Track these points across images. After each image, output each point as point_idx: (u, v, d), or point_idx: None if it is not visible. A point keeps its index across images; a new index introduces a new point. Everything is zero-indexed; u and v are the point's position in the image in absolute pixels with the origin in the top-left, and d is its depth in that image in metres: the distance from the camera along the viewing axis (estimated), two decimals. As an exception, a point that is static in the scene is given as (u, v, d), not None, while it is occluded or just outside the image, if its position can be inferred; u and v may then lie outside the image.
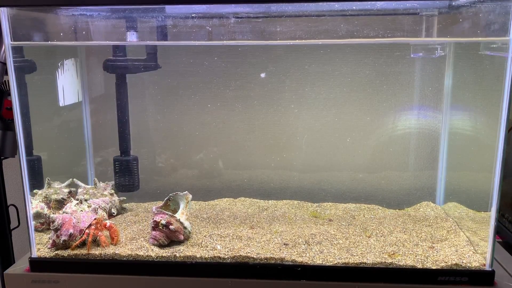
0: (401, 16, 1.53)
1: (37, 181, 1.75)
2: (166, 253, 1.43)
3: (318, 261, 1.38)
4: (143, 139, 1.95)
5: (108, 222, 1.50)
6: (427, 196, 1.85)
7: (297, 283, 1.37)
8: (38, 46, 1.66)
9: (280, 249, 1.45)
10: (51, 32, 1.62)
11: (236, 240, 1.51)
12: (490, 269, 1.34)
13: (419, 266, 1.35)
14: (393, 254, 1.41)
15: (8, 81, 1.58)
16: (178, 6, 1.49)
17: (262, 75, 1.75)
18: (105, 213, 1.66)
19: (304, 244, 1.48)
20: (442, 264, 1.35)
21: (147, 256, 1.42)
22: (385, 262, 1.37)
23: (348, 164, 1.90)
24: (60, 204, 1.71)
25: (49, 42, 1.65)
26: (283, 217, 1.72)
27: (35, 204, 1.67)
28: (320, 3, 1.43)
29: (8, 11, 1.34)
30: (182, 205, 1.55)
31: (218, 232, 1.56)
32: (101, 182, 1.81)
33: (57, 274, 1.42)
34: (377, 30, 1.48)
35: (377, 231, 1.58)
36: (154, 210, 1.51)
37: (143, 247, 1.46)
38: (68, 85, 1.88)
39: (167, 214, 1.48)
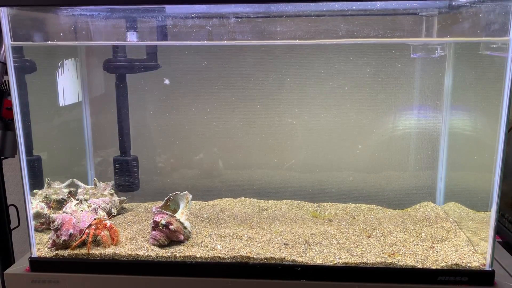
0: (401, 16, 1.53)
1: (37, 181, 1.75)
2: (166, 253, 1.43)
3: (318, 261, 1.38)
4: (143, 139, 1.94)
5: (108, 222, 1.50)
6: (427, 196, 1.85)
7: (297, 283, 1.37)
8: (38, 46, 1.66)
9: (280, 249, 1.45)
10: (51, 32, 1.62)
11: (236, 240, 1.51)
12: (490, 269, 1.34)
13: (419, 266, 1.35)
14: (393, 254, 1.41)
15: (8, 81, 1.58)
16: (178, 6, 1.49)
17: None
18: (105, 213, 1.66)
19: (304, 244, 1.47)
20: (442, 264, 1.35)
21: (147, 256, 1.42)
22: (385, 262, 1.37)
23: (348, 164, 1.90)
24: (60, 204, 1.71)
25: (49, 42, 1.65)
26: (283, 217, 1.72)
27: (35, 204, 1.66)
28: (320, 3, 1.43)
29: (8, 11, 1.34)
30: (182, 205, 1.55)
31: (218, 232, 1.56)
32: (101, 182, 1.81)
33: (57, 274, 1.42)
34: (377, 30, 1.48)
35: (377, 231, 1.58)
36: (154, 210, 1.51)
37: (143, 247, 1.46)
38: (68, 85, 1.88)
39: (167, 214, 1.48)
